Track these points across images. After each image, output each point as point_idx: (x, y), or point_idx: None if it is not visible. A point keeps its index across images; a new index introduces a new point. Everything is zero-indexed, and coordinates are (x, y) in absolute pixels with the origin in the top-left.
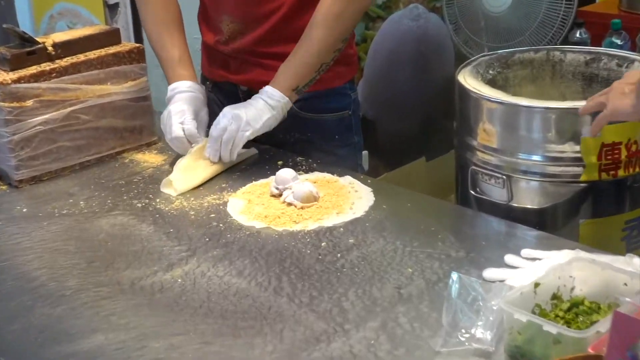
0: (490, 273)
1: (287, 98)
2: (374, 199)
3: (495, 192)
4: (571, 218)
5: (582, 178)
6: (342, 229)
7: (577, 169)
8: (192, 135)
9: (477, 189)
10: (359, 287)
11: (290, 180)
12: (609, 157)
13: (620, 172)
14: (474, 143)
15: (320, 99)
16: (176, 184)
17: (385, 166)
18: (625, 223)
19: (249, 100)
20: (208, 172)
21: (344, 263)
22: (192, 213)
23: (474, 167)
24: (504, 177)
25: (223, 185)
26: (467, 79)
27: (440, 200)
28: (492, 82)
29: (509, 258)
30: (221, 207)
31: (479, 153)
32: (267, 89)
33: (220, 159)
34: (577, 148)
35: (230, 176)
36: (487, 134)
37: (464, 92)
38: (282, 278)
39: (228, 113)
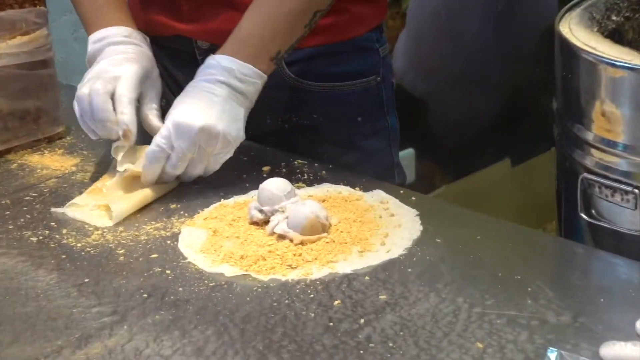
0: (611, 350)
1: (265, 75)
2: (421, 228)
3: (622, 216)
4: None
5: None
6: (367, 277)
7: None
8: (151, 127)
9: (592, 211)
10: None
11: (282, 198)
12: None
13: None
14: (587, 136)
15: (330, 59)
16: (115, 208)
17: (443, 173)
18: None
19: (202, 86)
20: (151, 190)
21: (371, 334)
22: (121, 252)
23: (586, 176)
24: (638, 191)
25: (172, 206)
26: (575, 30)
27: (532, 230)
28: (615, 36)
29: None
30: (169, 241)
31: (594, 152)
32: (228, 62)
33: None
34: None
35: (184, 191)
36: (609, 120)
37: (569, 51)
38: (268, 359)
39: (184, 126)
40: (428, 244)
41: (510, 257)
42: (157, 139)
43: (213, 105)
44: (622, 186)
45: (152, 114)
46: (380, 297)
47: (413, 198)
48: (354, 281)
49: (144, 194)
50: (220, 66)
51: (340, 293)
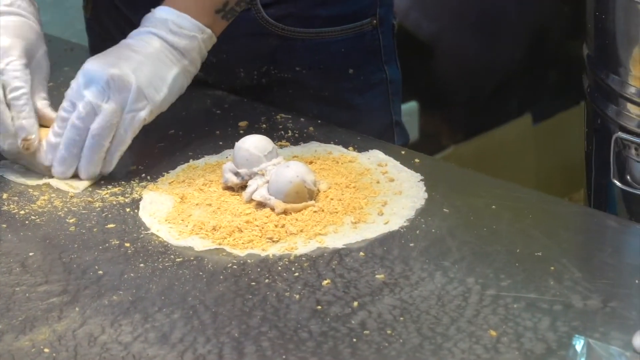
0: None
1: (209, 30)
2: (425, 195)
3: None
4: None
5: None
6: (362, 253)
7: None
8: (47, 120)
9: (627, 177)
10: None
11: (262, 158)
12: None
13: None
14: (624, 88)
15: None
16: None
17: (451, 131)
18: None
19: (129, 41)
20: None
21: (366, 320)
22: (72, 221)
23: (621, 135)
24: None
25: (131, 168)
26: None
27: (556, 199)
28: None
29: None
30: (128, 209)
31: (632, 107)
32: (164, 12)
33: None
34: None
35: (146, 150)
36: None
37: None
38: (244, 348)
39: (96, 74)
40: (434, 215)
41: (531, 230)
42: (65, 100)
43: (133, 57)
44: None
45: (44, 105)
46: (376, 276)
47: (416, 160)
48: (346, 257)
49: None
50: (154, 17)
51: (329, 271)
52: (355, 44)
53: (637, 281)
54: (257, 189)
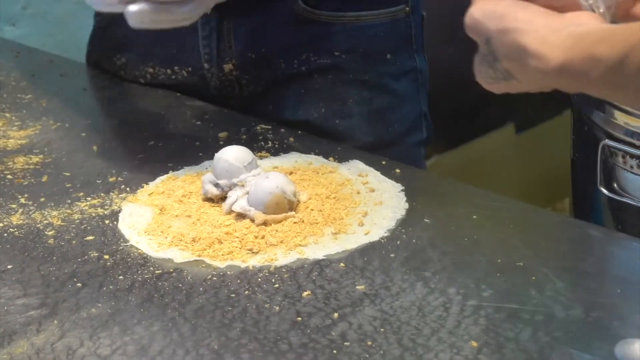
0: (628, 349)
1: None
2: (406, 206)
3: None
4: None
5: None
6: (342, 264)
7: None
8: None
9: (614, 185)
10: None
11: (242, 169)
12: None
13: None
14: None
15: None
16: None
17: (433, 141)
18: None
19: None
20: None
21: (346, 331)
22: (50, 234)
23: (608, 143)
24: None
25: (110, 179)
26: None
27: (538, 209)
28: None
29: None
30: (107, 221)
31: (619, 114)
32: None
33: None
34: None
35: (125, 161)
36: None
37: None
38: None
39: None
40: (415, 225)
41: (512, 240)
42: None
43: None
44: None
45: None
46: (357, 287)
47: (397, 170)
48: (326, 268)
49: None
50: None
51: (310, 283)
52: (391, 29)
53: (619, 291)
54: (237, 200)
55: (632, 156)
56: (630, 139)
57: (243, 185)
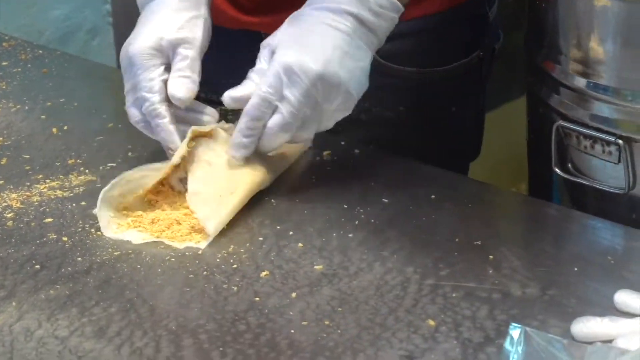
0: (584, 327)
1: (401, 6)
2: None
3: (603, 171)
4: None
5: None
6: (300, 244)
7: None
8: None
9: (569, 165)
10: (333, 359)
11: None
12: None
13: None
14: (563, 77)
15: (424, 36)
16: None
17: None
18: None
19: (315, 15)
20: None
21: (304, 310)
22: (9, 216)
23: (562, 124)
24: (621, 142)
25: (69, 162)
26: None
27: (496, 188)
28: None
29: (623, 297)
30: (67, 202)
31: (572, 96)
32: None
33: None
34: None
35: (84, 143)
36: (589, 58)
37: None
38: (182, 341)
39: (296, 70)
40: (373, 205)
41: (471, 220)
42: (263, 88)
43: (335, 45)
44: (604, 135)
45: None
46: (315, 267)
47: (356, 150)
48: (284, 249)
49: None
50: None
51: (268, 263)
52: (462, 80)
53: (575, 269)
54: None
55: (586, 137)
56: (584, 120)
57: None
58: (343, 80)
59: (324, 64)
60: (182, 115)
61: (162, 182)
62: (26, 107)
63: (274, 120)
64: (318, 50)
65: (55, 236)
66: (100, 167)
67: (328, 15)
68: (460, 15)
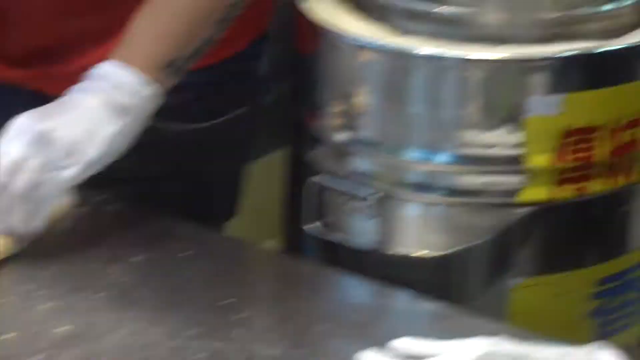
0: None
1: (156, 85)
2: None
3: (358, 227)
4: (498, 275)
5: (523, 197)
6: (51, 304)
7: (513, 180)
8: None
9: (323, 221)
10: None
11: None
12: (577, 155)
13: (593, 186)
14: (320, 129)
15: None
16: None
17: None
18: (594, 285)
19: (67, 97)
20: None
21: None
22: None
23: (314, 180)
24: (376, 196)
25: None
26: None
27: (250, 245)
28: (366, 9)
29: (371, 357)
30: None
31: (330, 151)
32: (109, 67)
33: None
34: (518, 138)
35: None
36: (355, 109)
37: (306, 25)
38: None
39: (23, 129)
40: (127, 263)
41: (224, 277)
42: None
43: (67, 112)
44: (360, 191)
45: None
46: (63, 328)
47: (114, 207)
48: (32, 309)
49: None
50: (96, 71)
51: (15, 323)
52: (226, 136)
53: (324, 327)
54: None
55: (338, 193)
56: (338, 173)
57: None
58: (63, 138)
59: (47, 122)
60: None
61: None
62: None
63: None
64: (45, 115)
65: None
66: None
67: (72, 90)
68: (225, 70)
